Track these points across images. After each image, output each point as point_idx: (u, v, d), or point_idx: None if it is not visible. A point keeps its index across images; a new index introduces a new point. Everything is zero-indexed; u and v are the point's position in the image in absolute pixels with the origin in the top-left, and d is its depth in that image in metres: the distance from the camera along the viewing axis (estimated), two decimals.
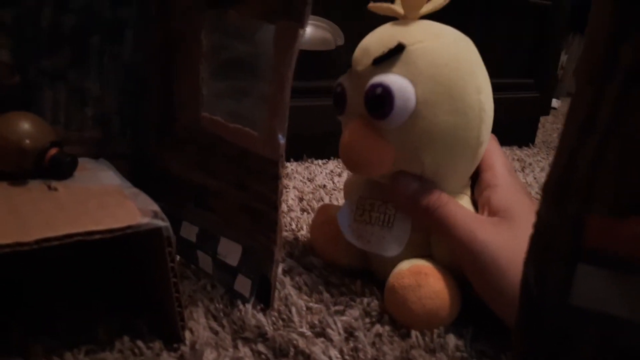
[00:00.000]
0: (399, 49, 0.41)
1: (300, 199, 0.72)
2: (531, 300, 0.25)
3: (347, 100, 0.45)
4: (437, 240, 0.45)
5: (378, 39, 0.43)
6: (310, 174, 0.85)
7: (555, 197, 0.23)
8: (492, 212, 0.42)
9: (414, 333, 0.41)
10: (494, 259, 0.39)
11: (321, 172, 0.86)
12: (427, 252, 0.45)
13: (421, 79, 0.41)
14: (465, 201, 0.46)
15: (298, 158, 0.92)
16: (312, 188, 0.77)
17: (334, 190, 0.77)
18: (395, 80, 0.41)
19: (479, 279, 0.40)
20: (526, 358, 0.25)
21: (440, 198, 0.43)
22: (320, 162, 0.93)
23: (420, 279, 0.41)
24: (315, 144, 0.92)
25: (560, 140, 0.24)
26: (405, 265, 0.43)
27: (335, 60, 0.83)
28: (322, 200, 0.72)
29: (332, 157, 0.94)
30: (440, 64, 0.41)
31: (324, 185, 0.79)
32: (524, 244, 0.25)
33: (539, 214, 0.25)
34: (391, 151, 0.43)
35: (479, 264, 0.39)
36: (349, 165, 0.45)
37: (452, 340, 0.40)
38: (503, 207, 0.42)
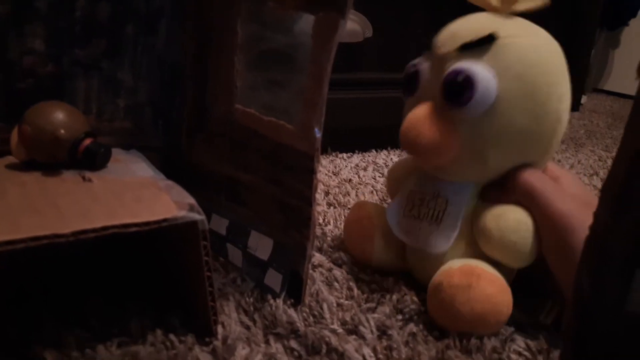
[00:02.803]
0: (491, 39, 0.39)
1: (327, 193, 0.71)
2: (584, 304, 0.24)
3: (420, 82, 0.43)
4: None
5: (468, 26, 0.42)
6: (335, 167, 0.84)
7: (616, 201, 0.22)
8: None
9: (450, 333, 0.40)
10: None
11: (346, 166, 0.85)
12: (476, 253, 0.43)
13: (507, 74, 0.39)
14: None
15: (322, 151, 0.91)
16: (338, 182, 0.77)
17: (360, 184, 0.76)
18: (479, 69, 0.39)
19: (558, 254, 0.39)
20: None
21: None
22: (344, 155, 0.92)
23: (472, 280, 0.39)
24: (339, 137, 0.90)
25: (622, 142, 0.22)
26: (456, 264, 0.41)
27: (364, 53, 0.82)
28: (349, 195, 0.71)
29: (356, 151, 0.93)
30: (530, 64, 0.39)
31: (350, 180, 0.78)
32: None
33: (597, 217, 0.24)
34: (458, 142, 0.41)
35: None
36: (410, 147, 0.42)
37: (489, 341, 0.39)
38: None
